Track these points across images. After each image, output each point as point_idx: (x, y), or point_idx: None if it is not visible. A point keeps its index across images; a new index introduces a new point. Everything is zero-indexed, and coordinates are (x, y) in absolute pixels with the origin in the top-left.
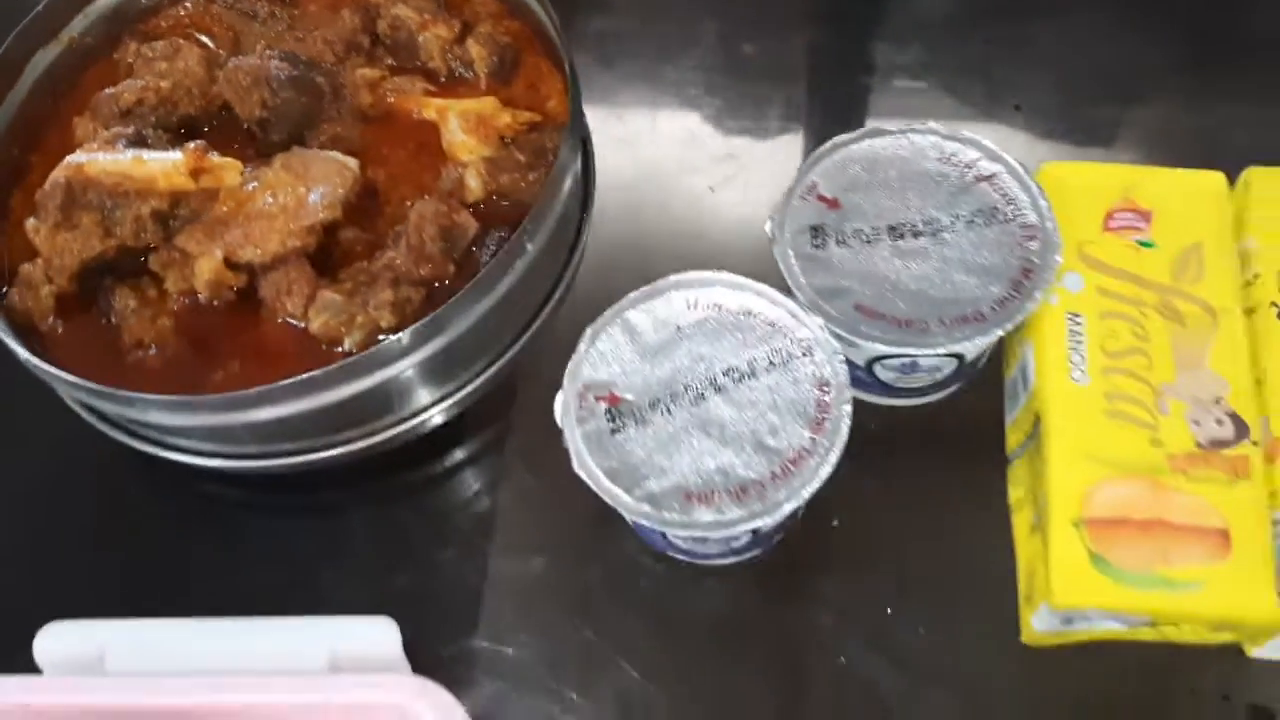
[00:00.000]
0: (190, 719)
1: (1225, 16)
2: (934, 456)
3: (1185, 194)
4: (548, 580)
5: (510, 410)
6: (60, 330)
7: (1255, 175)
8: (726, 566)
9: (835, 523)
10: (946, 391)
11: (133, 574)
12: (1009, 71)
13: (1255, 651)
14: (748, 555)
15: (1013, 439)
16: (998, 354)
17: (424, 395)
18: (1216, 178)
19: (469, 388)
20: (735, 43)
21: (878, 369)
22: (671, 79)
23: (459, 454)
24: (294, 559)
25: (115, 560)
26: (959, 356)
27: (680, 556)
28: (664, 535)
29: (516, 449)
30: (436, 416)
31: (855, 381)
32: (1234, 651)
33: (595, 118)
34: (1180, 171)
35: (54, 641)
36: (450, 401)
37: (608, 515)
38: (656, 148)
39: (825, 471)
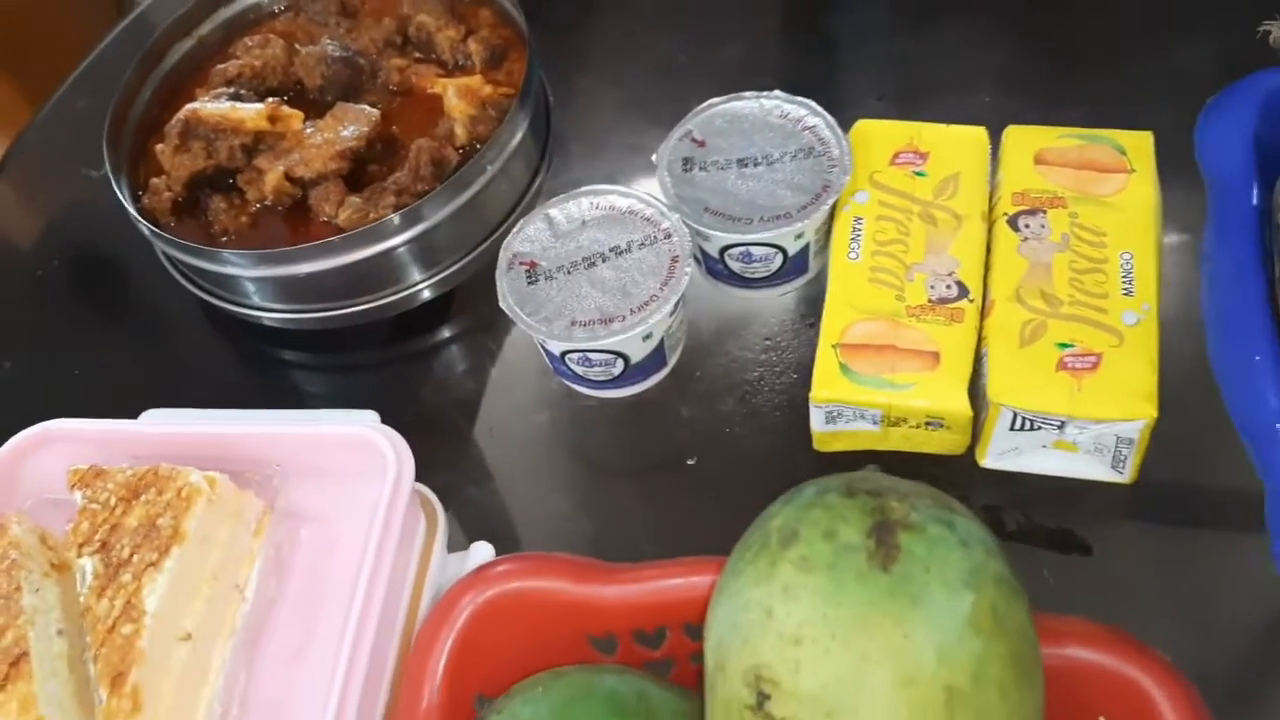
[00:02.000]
0: (205, 444)
1: (1032, 34)
2: (773, 326)
3: (955, 141)
4: (497, 408)
5: (490, 297)
6: (173, 224)
7: (1011, 131)
8: (616, 399)
9: (698, 374)
10: (785, 284)
11: (198, 395)
12: (880, 73)
13: (985, 462)
14: (629, 388)
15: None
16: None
17: (416, 273)
18: (979, 130)
19: (451, 269)
20: (673, 54)
21: (727, 259)
22: (624, 79)
23: (453, 327)
24: (318, 401)
25: (190, 385)
26: (780, 248)
27: (580, 387)
28: (563, 360)
29: (494, 325)
30: (427, 291)
31: (716, 274)
32: (970, 462)
33: (565, 104)
34: (954, 127)
35: (152, 417)
36: (437, 279)
37: (541, 369)
38: (611, 123)
39: (665, 309)
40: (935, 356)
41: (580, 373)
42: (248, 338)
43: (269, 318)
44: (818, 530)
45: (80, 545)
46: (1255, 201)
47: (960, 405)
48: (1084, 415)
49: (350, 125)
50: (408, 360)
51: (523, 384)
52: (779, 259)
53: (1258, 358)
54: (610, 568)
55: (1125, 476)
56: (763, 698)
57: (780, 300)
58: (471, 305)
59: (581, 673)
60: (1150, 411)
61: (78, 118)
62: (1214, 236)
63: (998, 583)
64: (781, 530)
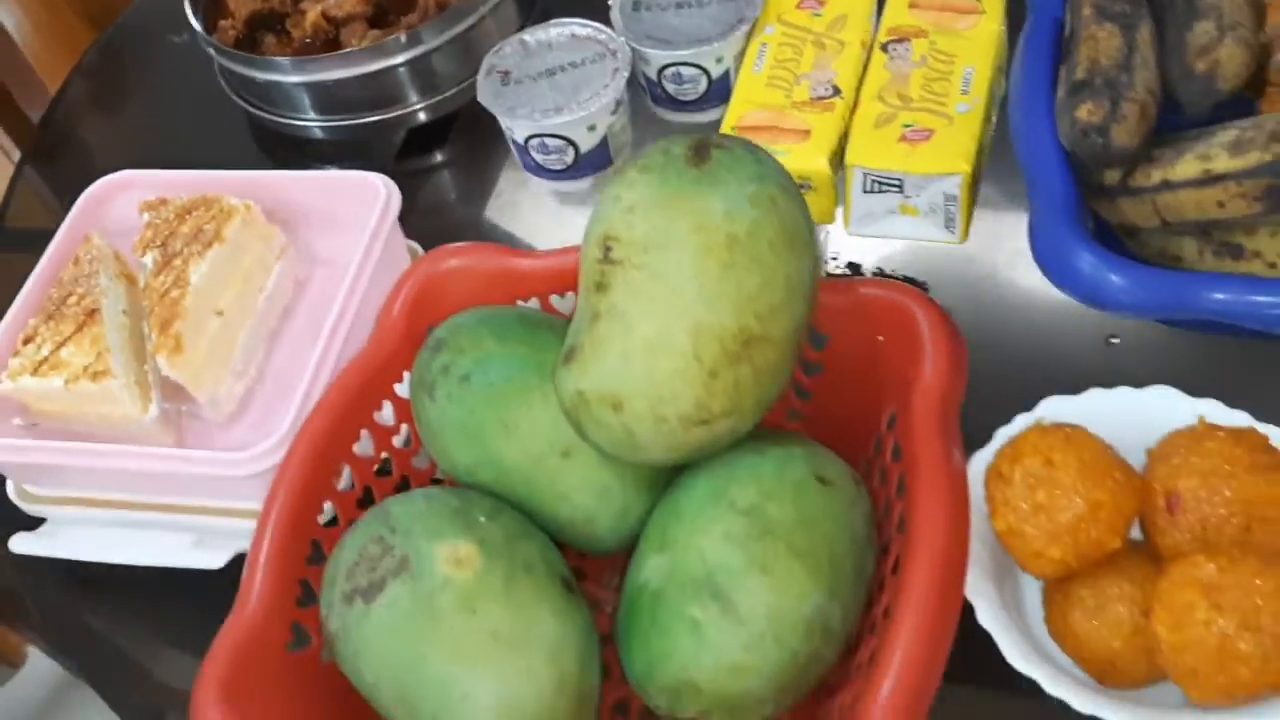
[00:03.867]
0: (244, 186)
1: None
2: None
3: None
4: (480, 201)
5: (480, 125)
6: None
7: None
8: (570, 191)
9: None
10: (713, 109)
11: None
12: None
13: (850, 228)
14: (581, 180)
15: None
16: None
17: (415, 94)
18: None
19: (448, 94)
20: None
21: (664, 81)
22: None
23: (450, 150)
24: None
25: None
26: (704, 69)
27: (543, 179)
28: (527, 148)
29: (482, 148)
30: (425, 112)
31: (657, 99)
32: (839, 230)
33: None
34: None
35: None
36: (436, 101)
37: (515, 178)
38: None
39: (604, 102)
40: (807, 134)
41: (540, 161)
42: (285, 149)
43: (303, 125)
44: (658, 149)
45: (145, 246)
46: (1057, 15)
47: (822, 166)
48: (915, 171)
49: None
50: (414, 174)
51: (500, 185)
52: (704, 81)
53: (1040, 103)
54: (533, 251)
55: (956, 236)
56: (607, 249)
57: (708, 120)
58: (466, 132)
59: (504, 305)
60: (965, 167)
61: (164, 2)
62: (1024, 41)
63: (780, 186)
64: (634, 157)
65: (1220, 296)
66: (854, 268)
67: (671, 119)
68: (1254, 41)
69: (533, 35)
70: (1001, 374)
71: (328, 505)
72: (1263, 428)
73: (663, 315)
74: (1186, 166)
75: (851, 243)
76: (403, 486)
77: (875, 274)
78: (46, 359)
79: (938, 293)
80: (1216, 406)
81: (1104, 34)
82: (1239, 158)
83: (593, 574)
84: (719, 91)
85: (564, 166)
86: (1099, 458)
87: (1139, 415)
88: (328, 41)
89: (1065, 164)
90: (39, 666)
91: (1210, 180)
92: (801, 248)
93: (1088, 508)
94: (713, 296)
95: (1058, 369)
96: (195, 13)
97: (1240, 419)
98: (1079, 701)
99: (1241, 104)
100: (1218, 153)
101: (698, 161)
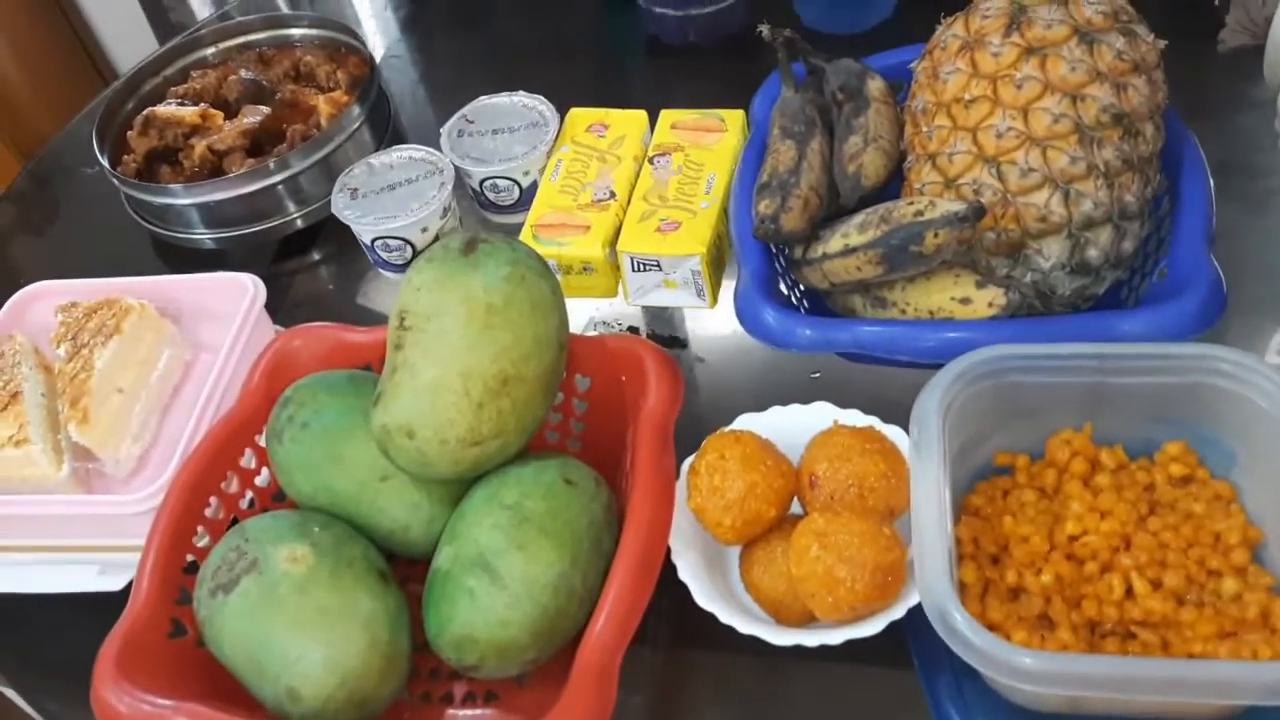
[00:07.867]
0: (140, 289)
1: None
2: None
3: (627, 119)
4: (341, 291)
5: (344, 231)
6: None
7: (664, 112)
8: None
9: None
10: (525, 211)
11: None
12: (598, 92)
13: (630, 300)
14: None
15: None
16: None
17: (292, 206)
18: (640, 113)
19: (316, 206)
20: (475, 91)
21: (486, 190)
22: (445, 104)
23: (319, 250)
24: None
25: None
26: (515, 181)
27: (387, 272)
28: (373, 247)
29: (345, 251)
30: (300, 220)
31: (483, 205)
32: (622, 303)
33: (406, 113)
34: (628, 110)
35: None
36: (307, 212)
37: (368, 273)
38: (431, 123)
39: (431, 209)
40: (588, 228)
41: (385, 258)
42: (181, 259)
43: (196, 238)
44: (440, 245)
45: (59, 340)
46: (765, 133)
47: (598, 252)
48: (667, 253)
49: (251, 116)
50: (294, 271)
51: (362, 277)
52: (516, 190)
53: (745, 199)
54: (362, 328)
55: (707, 303)
56: (402, 319)
57: (522, 220)
58: (333, 237)
59: (339, 370)
60: (701, 249)
61: (81, 140)
62: (744, 153)
63: (529, 268)
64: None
65: (842, 336)
66: (634, 330)
67: (495, 220)
68: (892, 150)
69: (377, 159)
70: (730, 400)
71: (202, 530)
72: (881, 426)
73: (440, 364)
74: (834, 243)
75: (632, 310)
76: None
77: (649, 336)
78: None
79: (696, 346)
80: (856, 414)
81: (784, 148)
82: (863, 234)
83: (418, 576)
84: (529, 197)
85: (404, 261)
86: (756, 451)
87: (803, 423)
88: (213, 169)
89: (761, 245)
90: None
91: (848, 252)
92: (547, 311)
93: (746, 486)
94: (476, 349)
95: (773, 396)
96: (102, 150)
97: (868, 421)
98: (742, 626)
99: (892, 193)
100: (851, 231)
101: (468, 252)
